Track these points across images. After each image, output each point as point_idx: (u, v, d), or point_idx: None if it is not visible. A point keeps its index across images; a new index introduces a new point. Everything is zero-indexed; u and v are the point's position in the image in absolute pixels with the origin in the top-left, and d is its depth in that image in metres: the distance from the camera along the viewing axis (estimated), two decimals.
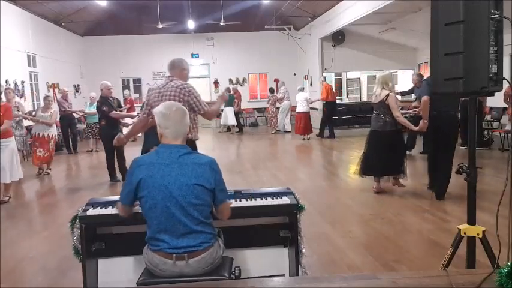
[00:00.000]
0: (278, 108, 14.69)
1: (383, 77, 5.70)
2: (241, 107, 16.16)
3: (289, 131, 14.53)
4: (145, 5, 15.74)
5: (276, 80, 17.60)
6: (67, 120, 11.17)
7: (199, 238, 2.20)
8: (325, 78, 14.24)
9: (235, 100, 14.99)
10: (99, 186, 7.09)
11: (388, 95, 5.53)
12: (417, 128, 5.60)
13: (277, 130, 14.72)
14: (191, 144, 3.78)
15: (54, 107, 8.42)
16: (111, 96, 7.29)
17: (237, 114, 15.27)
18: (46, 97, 8.46)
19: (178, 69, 3.94)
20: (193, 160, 2.22)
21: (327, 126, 12.99)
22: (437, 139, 5.43)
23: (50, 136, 8.00)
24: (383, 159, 5.68)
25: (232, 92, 15.07)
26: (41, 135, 7.92)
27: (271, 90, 15.26)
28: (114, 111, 7.01)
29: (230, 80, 18.10)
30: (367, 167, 5.92)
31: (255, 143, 12.71)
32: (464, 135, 7.79)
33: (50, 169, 8.31)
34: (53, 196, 6.71)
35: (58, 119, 11.04)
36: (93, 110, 11.00)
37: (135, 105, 13.52)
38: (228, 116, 14.76)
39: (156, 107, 2.34)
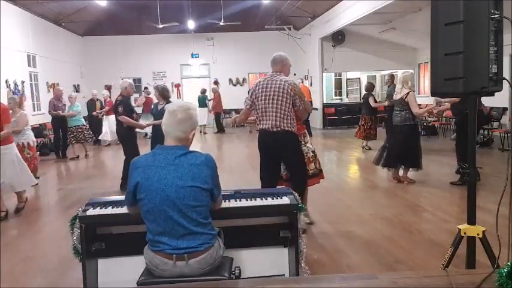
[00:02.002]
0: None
1: (404, 76, 6.12)
2: (224, 108, 16.30)
3: None
4: (145, 5, 15.73)
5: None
6: (58, 123, 10.35)
7: (199, 239, 2.20)
8: (302, 80, 14.64)
9: (212, 101, 15.27)
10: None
11: (408, 93, 5.97)
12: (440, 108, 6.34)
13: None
14: (292, 136, 4.13)
15: (22, 110, 7.08)
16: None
17: (218, 116, 15.39)
18: (10, 99, 7.14)
19: (280, 64, 4.27)
20: (189, 161, 2.20)
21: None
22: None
23: (24, 144, 6.97)
24: (400, 151, 6.19)
25: (213, 93, 15.47)
26: (20, 144, 6.88)
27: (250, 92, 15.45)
28: (124, 116, 6.27)
29: (230, 80, 18.11)
30: (387, 160, 6.46)
31: (254, 142, 12.71)
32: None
33: (38, 177, 7.30)
34: (52, 197, 6.71)
35: (50, 121, 10.56)
36: (72, 111, 10.11)
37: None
38: (199, 116, 14.98)
39: (167, 105, 2.34)
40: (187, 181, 2.15)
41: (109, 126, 12.07)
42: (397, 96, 6.17)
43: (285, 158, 4.22)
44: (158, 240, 2.20)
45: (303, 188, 4.27)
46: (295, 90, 4.03)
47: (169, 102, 6.26)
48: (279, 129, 4.03)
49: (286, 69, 4.25)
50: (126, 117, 6.30)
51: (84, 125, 10.49)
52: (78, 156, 10.26)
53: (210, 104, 15.68)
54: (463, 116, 5.81)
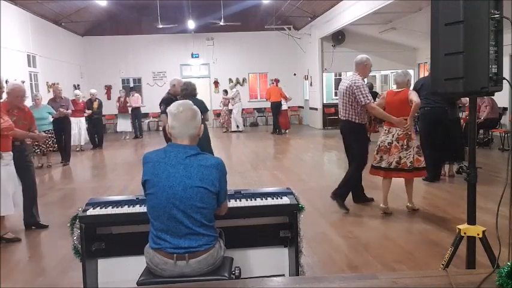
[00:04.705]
0: (231, 110, 15.51)
1: None
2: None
3: (241, 131, 15.39)
4: (145, 5, 15.72)
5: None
6: (59, 125, 9.26)
7: (201, 240, 2.20)
8: (273, 81, 15.00)
9: None
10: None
11: None
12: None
13: (232, 130, 15.37)
14: (351, 125, 4.94)
15: None
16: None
17: None
18: None
19: (361, 65, 4.87)
20: (199, 162, 2.19)
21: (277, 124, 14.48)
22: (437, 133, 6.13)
23: None
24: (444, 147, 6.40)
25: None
26: None
27: (225, 92, 15.99)
28: (164, 116, 5.28)
29: (230, 79, 18.10)
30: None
31: (255, 143, 12.71)
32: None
33: None
34: (52, 197, 6.71)
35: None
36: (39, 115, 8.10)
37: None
38: None
39: (169, 106, 2.31)
40: (196, 181, 2.15)
41: (78, 129, 11.54)
42: None
43: (345, 142, 5.21)
44: (160, 236, 2.20)
45: (353, 173, 5.21)
46: (354, 88, 4.72)
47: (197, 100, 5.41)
48: (343, 117, 4.94)
49: (365, 70, 4.92)
50: (166, 118, 5.57)
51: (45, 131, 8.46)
52: (42, 165, 9.01)
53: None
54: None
